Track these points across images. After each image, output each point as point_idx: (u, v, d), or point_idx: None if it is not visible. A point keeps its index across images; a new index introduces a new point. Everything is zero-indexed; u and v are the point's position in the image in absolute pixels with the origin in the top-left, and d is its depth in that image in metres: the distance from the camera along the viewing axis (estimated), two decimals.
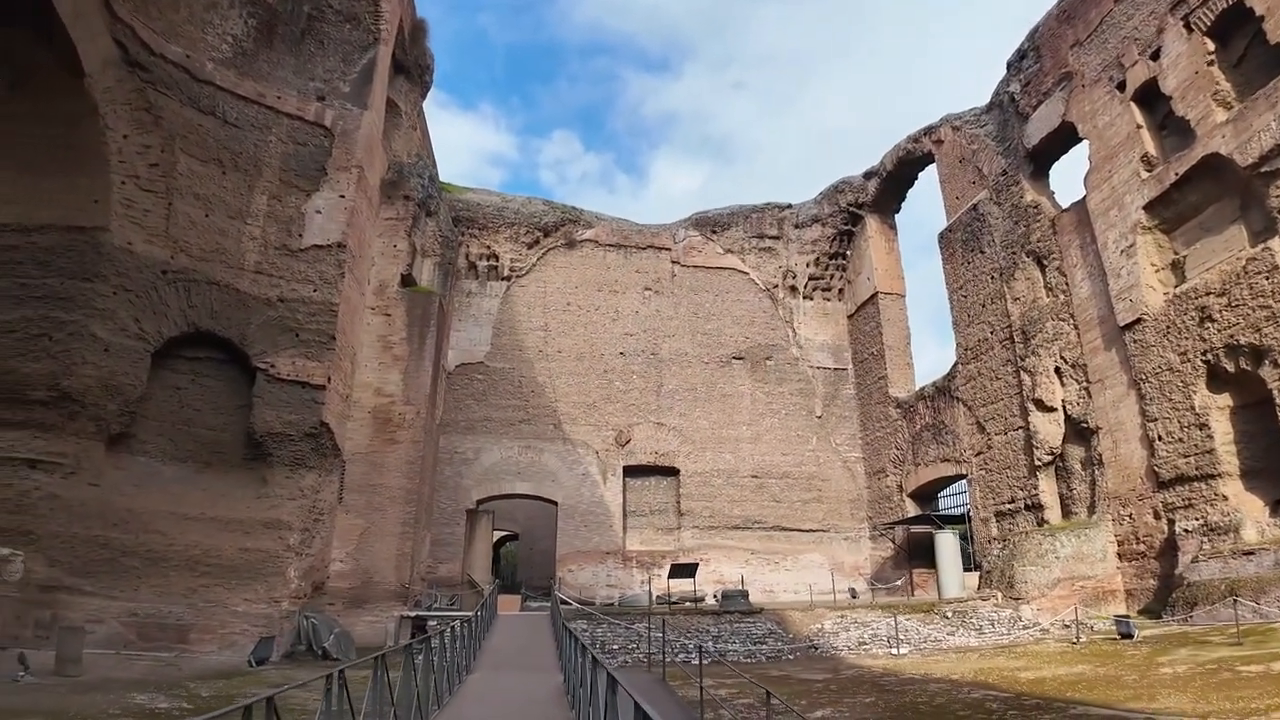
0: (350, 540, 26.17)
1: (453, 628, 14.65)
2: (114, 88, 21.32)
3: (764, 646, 22.88)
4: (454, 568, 32.16)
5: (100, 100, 21.01)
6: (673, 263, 37.61)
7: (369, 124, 25.69)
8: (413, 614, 26.04)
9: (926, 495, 33.79)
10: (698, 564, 29.47)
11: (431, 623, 25.55)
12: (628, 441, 35.35)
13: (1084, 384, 25.80)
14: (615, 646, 22.66)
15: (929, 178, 35.70)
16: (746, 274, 37.96)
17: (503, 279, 36.22)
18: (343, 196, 24.62)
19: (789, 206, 38.89)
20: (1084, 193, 26.11)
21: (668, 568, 31.36)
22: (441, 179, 34.43)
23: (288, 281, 23.70)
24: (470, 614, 19.78)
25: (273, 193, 24.09)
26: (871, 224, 37.16)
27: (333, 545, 25.36)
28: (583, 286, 36.83)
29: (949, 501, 34.42)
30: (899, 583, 31.75)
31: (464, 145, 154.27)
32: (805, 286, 38.13)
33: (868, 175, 37.34)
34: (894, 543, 33.94)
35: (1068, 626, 22.21)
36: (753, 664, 20.98)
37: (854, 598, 30.98)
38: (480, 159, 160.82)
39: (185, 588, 20.80)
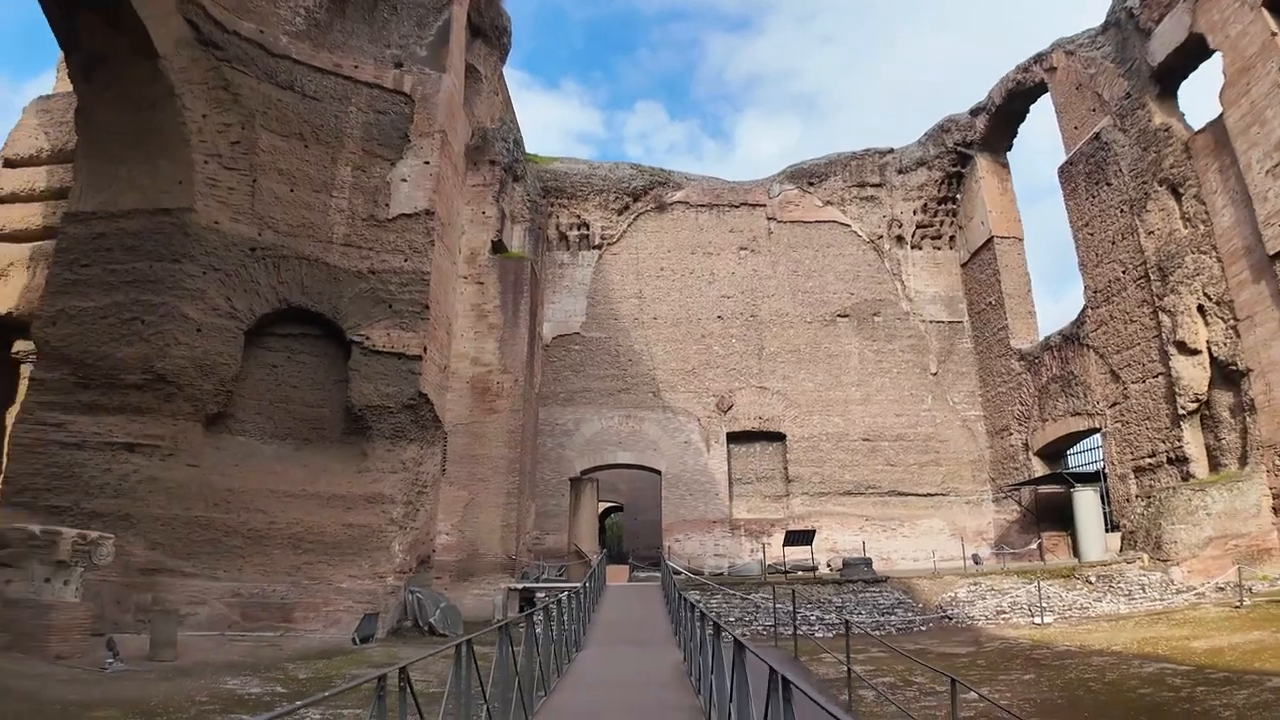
0: (455, 512, 25.01)
1: (559, 600, 12.88)
2: (189, 68, 20.48)
3: (893, 617, 20.67)
4: (560, 539, 30.78)
5: (176, 81, 20.20)
6: (768, 219, 34.97)
7: (448, 87, 24.19)
8: (520, 586, 24.70)
9: (1054, 453, 30.48)
10: (814, 530, 27.21)
11: (540, 595, 24.18)
12: (730, 407, 33.23)
13: (1231, 322, 22.37)
14: (732, 618, 20.81)
15: (1040, 113, 32.15)
16: (848, 226, 34.98)
17: (594, 248, 34.39)
18: (427, 163, 23.29)
19: (890, 151, 35.59)
20: (1220, 110, 22.57)
21: (778, 536, 29.26)
22: (527, 153, 32.82)
23: (377, 253, 22.59)
24: (579, 585, 18.07)
25: (356, 164, 22.96)
26: (982, 164, 33.64)
27: (437, 518, 24.27)
28: (676, 250, 34.65)
29: (1080, 459, 30.98)
30: (1034, 546, 28.68)
31: (549, 124, 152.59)
32: (913, 236, 34.86)
33: (974, 112, 33.80)
34: (1020, 505, 30.79)
35: (1222, 589, 19.35)
36: (882, 637, 18.74)
37: (977, 564, 28.18)
38: (566, 137, 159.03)
39: (288, 566, 19.91)
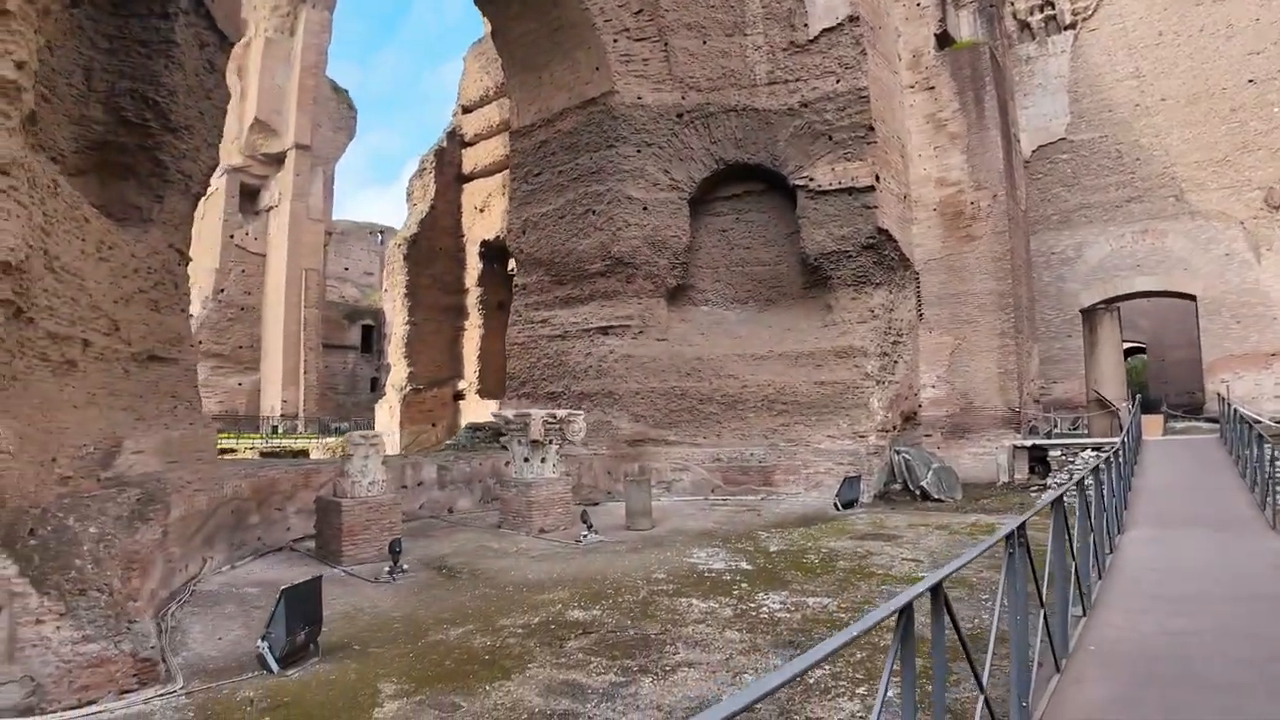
0: (940, 362, 20.57)
1: (1098, 467, 7.95)
2: None
3: None
4: (1070, 387, 24.37)
5: None
6: None
7: None
8: (1029, 444, 19.46)
9: None
10: None
11: (1054, 454, 18.76)
12: None
13: None
14: None
15: None
16: None
17: (1066, 28, 25.86)
18: None
19: None
20: None
21: None
22: None
23: (805, 82, 18.57)
24: (1108, 441, 12.43)
25: None
26: None
27: (919, 369, 20.18)
28: (1173, 6, 24.57)
29: None
30: None
31: None
32: None
33: None
34: None
35: None
36: None
37: None
38: None
39: (764, 429, 17.76)
